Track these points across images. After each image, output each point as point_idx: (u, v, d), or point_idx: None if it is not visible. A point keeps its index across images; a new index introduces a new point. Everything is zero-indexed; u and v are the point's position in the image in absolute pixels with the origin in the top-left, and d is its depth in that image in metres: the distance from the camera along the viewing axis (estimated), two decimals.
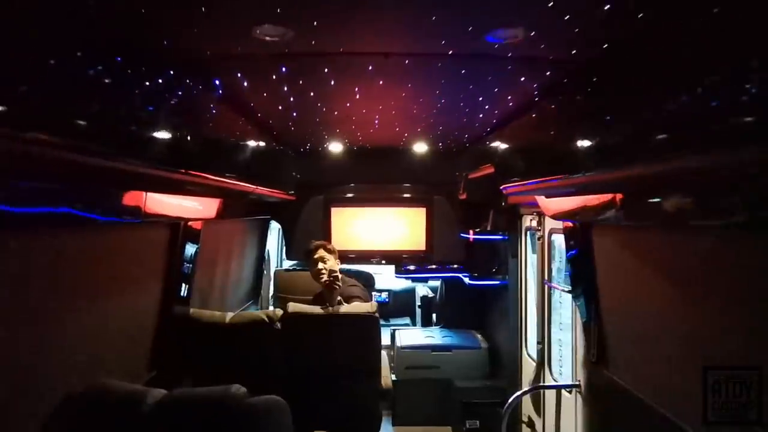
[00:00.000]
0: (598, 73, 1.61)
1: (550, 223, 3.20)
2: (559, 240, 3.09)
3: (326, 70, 1.84)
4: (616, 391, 2.07)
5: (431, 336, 4.43)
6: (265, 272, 4.93)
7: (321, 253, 3.36)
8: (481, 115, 2.62)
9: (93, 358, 1.82)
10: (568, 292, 2.63)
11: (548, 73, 1.80)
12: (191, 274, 2.67)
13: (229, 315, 2.79)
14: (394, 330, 4.64)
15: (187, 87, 1.77)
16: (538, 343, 3.36)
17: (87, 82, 1.11)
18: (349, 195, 4.53)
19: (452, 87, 2.12)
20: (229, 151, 2.40)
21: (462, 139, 3.40)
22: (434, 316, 5.20)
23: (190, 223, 2.56)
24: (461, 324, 4.67)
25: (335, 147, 3.69)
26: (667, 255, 1.73)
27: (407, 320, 5.98)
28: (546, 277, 3.26)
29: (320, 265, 3.31)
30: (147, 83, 1.44)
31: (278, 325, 2.73)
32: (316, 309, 2.87)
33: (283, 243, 4.98)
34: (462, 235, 4.45)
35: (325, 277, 3.20)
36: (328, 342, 2.79)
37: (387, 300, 6.12)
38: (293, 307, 2.85)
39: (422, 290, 5.53)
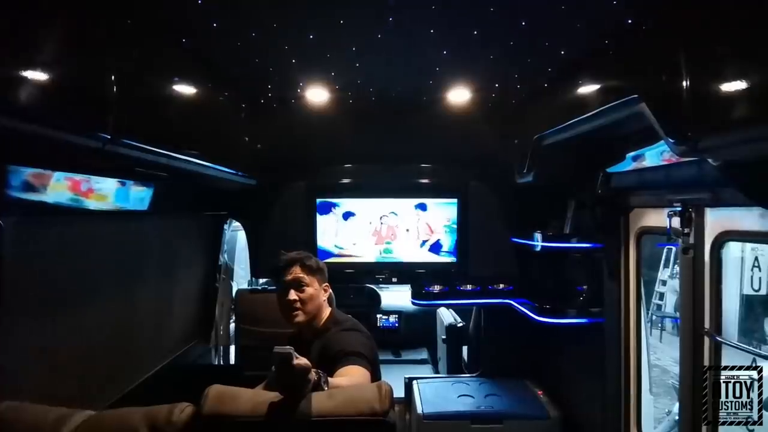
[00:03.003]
0: None
1: (715, 224, 1.70)
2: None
3: None
4: None
5: (467, 393, 2.91)
6: (228, 290, 3.43)
7: (296, 272, 2.02)
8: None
9: None
10: None
11: None
12: None
13: (79, 416, 1.31)
14: (411, 380, 3.11)
15: None
16: None
17: None
18: (344, 181, 3.02)
19: None
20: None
21: (531, 78, 1.93)
22: (465, 353, 3.68)
23: None
24: (507, 369, 3.15)
25: (317, 95, 2.18)
26: None
27: (424, 353, 4.45)
28: (709, 325, 1.74)
29: (292, 295, 1.99)
30: None
31: None
32: (267, 396, 1.37)
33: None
34: (516, 239, 2.94)
35: (299, 317, 1.99)
36: None
37: (396, 325, 4.60)
38: (216, 394, 1.34)
39: (446, 314, 3.99)
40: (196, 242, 2.94)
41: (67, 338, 1.76)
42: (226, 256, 3.30)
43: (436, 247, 3.12)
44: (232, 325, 3.42)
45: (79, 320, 1.83)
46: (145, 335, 2.31)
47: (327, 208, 3.05)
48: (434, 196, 3.07)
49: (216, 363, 3.16)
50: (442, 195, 3.07)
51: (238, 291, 3.34)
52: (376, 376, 1.89)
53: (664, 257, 6.84)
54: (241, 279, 4.46)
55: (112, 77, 1.24)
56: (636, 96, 1.43)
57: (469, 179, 2.98)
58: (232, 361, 3.27)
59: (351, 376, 1.68)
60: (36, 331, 1.59)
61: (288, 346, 1.27)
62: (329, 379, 1.48)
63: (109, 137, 1.19)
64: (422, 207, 3.08)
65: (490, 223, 3.00)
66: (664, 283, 6.85)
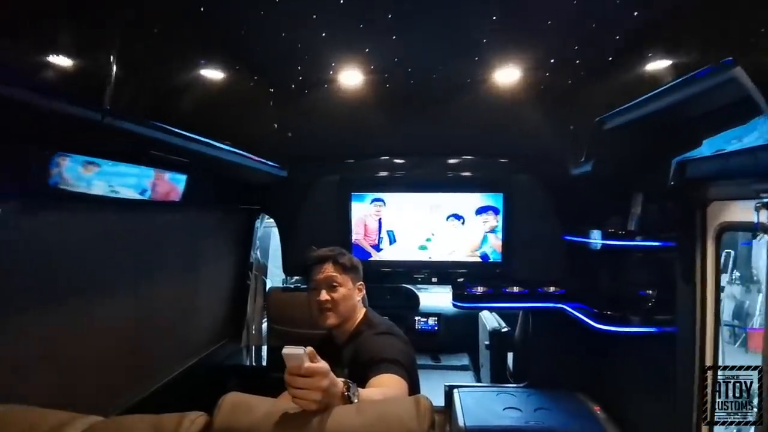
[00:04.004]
0: None
1: None
2: None
3: None
4: None
5: (514, 406, 2.66)
6: (261, 288, 3.31)
7: (328, 270, 1.89)
8: None
9: None
10: None
11: None
12: None
13: (81, 422, 1.18)
14: (451, 388, 2.88)
15: None
16: None
17: None
18: (381, 174, 2.84)
19: None
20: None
21: (594, 49, 1.69)
22: (510, 361, 3.41)
23: None
24: (558, 381, 2.87)
25: (350, 78, 2.00)
26: None
27: (465, 359, 4.20)
28: None
29: (324, 295, 1.85)
30: None
31: None
32: (286, 408, 1.18)
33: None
34: (569, 238, 2.66)
35: (330, 319, 1.85)
36: None
37: (436, 328, 4.37)
38: (231, 404, 1.18)
39: (489, 318, 3.73)
40: (226, 237, 2.83)
41: (78, 336, 1.66)
42: (258, 252, 3.18)
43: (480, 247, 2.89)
44: (266, 325, 3.29)
45: (92, 317, 1.73)
46: (168, 334, 2.20)
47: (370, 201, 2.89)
48: (477, 191, 2.84)
49: (247, 364, 3.05)
50: (486, 189, 2.83)
51: (270, 289, 3.21)
52: (413, 387, 1.69)
53: (722, 261, 6.27)
54: (276, 277, 4.36)
55: (113, 53, 1.12)
56: (730, 59, 1.17)
57: (516, 171, 2.73)
58: (265, 362, 3.14)
59: (385, 387, 1.49)
60: (40, 329, 1.47)
61: (301, 347, 1.08)
62: (360, 390, 1.29)
63: (108, 108, 1.05)
64: (463, 203, 2.86)
65: (540, 219, 2.73)
66: (722, 289, 6.28)
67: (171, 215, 2.15)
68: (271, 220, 3.15)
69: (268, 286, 3.35)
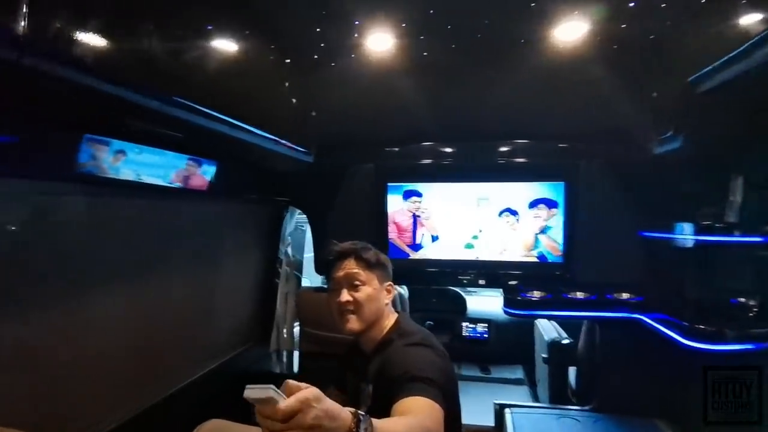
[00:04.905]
0: None
1: None
2: None
3: None
4: None
5: None
6: (294, 287, 3.08)
7: (349, 266, 1.63)
8: None
9: None
10: None
11: None
12: None
13: None
14: (502, 407, 2.50)
15: None
16: None
17: None
18: (424, 161, 2.51)
19: None
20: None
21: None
22: (572, 377, 2.97)
23: None
24: (631, 403, 2.39)
25: (379, 42, 1.70)
26: None
27: (518, 372, 3.77)
28: None
29: (344, 295, 1.59)
30: None
31: None
32: None
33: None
34: (647, 234, 2.23)
35: (352, 324, 1.59)
36: None
37: (486, 336, 3.97)
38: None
39: (547, 327, 3.30)
40: (252, 231, 2.62)
41: (74, 336, 1.46)
42: (290, 249, 2.95)
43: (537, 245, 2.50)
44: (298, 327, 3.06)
45: (92, 315, 1.53)
46: (181, 335, 1.99)
47: (403, 195, 2.58)
48: (534, 179, 2.45)
49: (277, 371, 2.82)
50: (544, 177, 2.44)
51: (301, 289, 2.97)
52: (450, 411, 1.36)
53: None
54: (316, 276, 4.14)
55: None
56: None
57: (581, 154, 2.32)
58: (296, 368, 2.90)
59: (412, 415, 1.17)
60: (27, 328, 1.28)
61: (268, 385, 0.79)
62: (377, 423, 0.98)
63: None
64: (516, 194, 2.49)
65: (611, 212, 2.30)
66: None
67: (185, 204, 1.95)
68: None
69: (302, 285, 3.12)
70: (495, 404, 2.53)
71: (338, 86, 1.93)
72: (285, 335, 2.93)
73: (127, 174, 1.47)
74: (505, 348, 3.90)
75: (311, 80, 1.85)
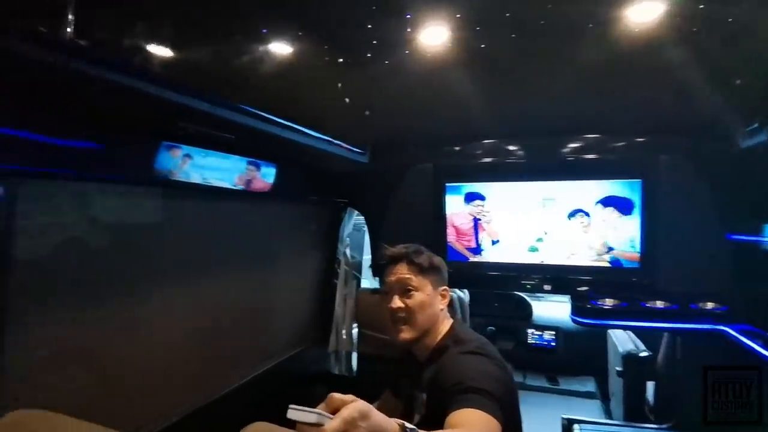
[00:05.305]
0: None
1: None
2: None
3: None
4: None
5: None
6: (354, 287, 3.08)
7: (400, 271, 1.59)
8: None
9: None
10: None
11: None
12: None
13: None
14: (571, 422, 2.33)
15: None
16: None
17: None
18: (486, 160, 2.41)
19: None
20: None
21: None
22: (650, 392, 2.72)
23: None
24: (717, 424, 2.14)
25: (434, 36, 1.64)
26: None
27: (589, 384, 3.53)
28: None
29: (396, 302, 1.55)
30: None
31: None
32: None
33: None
34: (737, 237, 1.98)
35: (404, 333, 1.54)
36: None
37: (554, 344, 3.76)
38: None
39: (622, 337, 3.06)
40: (311, 232, 2.64)
41: (137, 334, 1.52)
42: (348, 250, 2.95)
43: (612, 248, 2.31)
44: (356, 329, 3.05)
45: (156, 313, 1.60)
46: (236, 336, 2.03)
47: (465, 197, 2.49)
48: (607, 177, 2.27)
49: (336, 372, 2.82)
50: (618, 175, 2.25)
51: (359, 291, 2.96)
52: (510, 426, 1.27)
53: None
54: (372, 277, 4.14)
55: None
56: None
57: (658, 151, 2.11)
58: (355, 370, 2.89)
59: (465, 429, 1.10)
60: (73, 328, 1.34)
61: (316, 410, 0.76)
62: None
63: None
64: (587, 192, 2.31)
65: (693, 213, 2.08)
66: None
67: (246, 205, 2.00)
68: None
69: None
70: (563, 419, 2.36)
71: (392, 84, 1.88)
72: (344, 336, 2.93)
73: (195, 177, 1.53)
74: (574, 358, 3.67)
75: (364, 79, 1.82)
